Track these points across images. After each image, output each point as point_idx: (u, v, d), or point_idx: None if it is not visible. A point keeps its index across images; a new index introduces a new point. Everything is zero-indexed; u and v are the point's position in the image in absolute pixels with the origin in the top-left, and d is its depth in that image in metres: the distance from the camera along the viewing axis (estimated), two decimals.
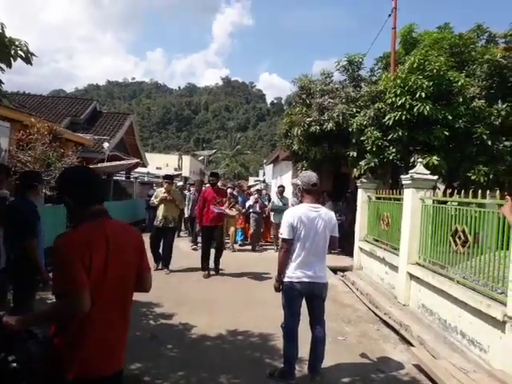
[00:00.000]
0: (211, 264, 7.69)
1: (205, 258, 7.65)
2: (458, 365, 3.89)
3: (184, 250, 10.10)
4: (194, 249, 10.27)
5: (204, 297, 6.08)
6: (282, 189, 11.14)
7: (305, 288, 3.50)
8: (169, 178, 8.20)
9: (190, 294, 6.17)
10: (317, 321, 3.65)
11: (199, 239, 10.43)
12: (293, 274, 3.50)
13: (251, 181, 36.69)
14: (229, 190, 10.16)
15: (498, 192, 4.59)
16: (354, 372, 3.79)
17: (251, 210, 11.20)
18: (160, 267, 7.65)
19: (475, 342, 4.27)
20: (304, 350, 3.66)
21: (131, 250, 1.91)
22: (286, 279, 3.54)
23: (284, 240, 3.53)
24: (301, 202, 3.76)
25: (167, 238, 7.72)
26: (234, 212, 8.33)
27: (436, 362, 3.89)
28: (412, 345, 4.70)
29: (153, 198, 8.03)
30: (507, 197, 3.54)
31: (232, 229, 10.72)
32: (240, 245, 11.43)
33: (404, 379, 3.71)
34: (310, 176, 3.66)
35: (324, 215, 3.57)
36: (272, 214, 10.92)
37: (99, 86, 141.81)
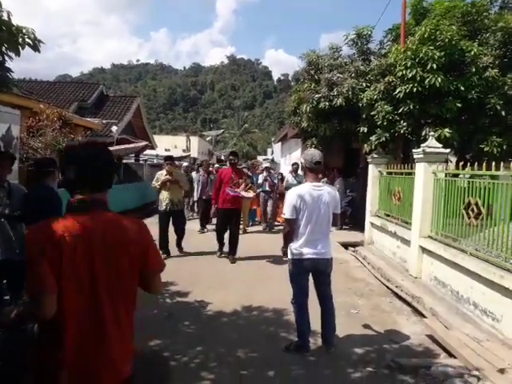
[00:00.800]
0: (226, 247, 7.43)
1: (218, 237, 7.44)
2: (471, 334, 3.94)
3: (195, 232, 10.06)
4: (202, 232, 10.20)
5: (218, 275, 6.18)
6: (296, 166, 10.47)
7: (310, 264, 3.59)
8: (170, 160, 7.63)
9: (204, 272, 6.28)
10: (324, 294, 3.76)
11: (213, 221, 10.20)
12: (298, 251, 3.59)
13: (260, 159, 36.58)
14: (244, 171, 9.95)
15: None
16: (368, 343, 3.87)
17: (260, 189, 10.83)
18: (165, 255, 7.12)
19: (488, 312, 4.31)
20: (317, 323, 3.75)
21: (126, 251, 1.59)
22: (291, 256, 3.64)
23: (287, 220, 3.61)
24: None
25: (178, 222, 7.51)
26: (250, 194, 7.72)
27: (449, 332, 3.95)
28: (425, 316, 4.76)
29: (154, 182, 7.56)
30: None
31: (246, 211, 10.32)
32: (252, 225, 11.32)
33: (417, 349, 3.78)
34: (313, 154, 3.68)
35: (327, 193, 3.63)
36: (286, 192, 10.61)
37: (104, 69, 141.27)
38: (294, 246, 3.61)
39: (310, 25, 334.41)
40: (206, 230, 10.31)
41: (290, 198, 3.60)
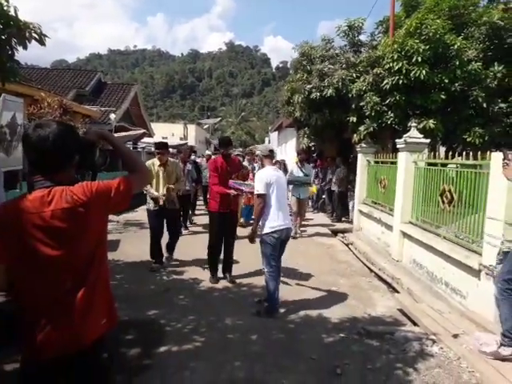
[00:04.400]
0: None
1: (213, 256, 5.48)
2: (439, 309, 4.37)
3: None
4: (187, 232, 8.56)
5: None
6: (303, 156, 8.82)
7: (284, 233, 4.24)
8: (162, 147, 5.98)
9: (199, 254, 6.62)
10: (280, 258, 4.43)
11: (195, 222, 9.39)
12: (275, 223, 4.17)
13: (260, 147, 36.69)
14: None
15: (488, 153, 4.85)
16: (343, 314, 4.30)
17: None
18: (157, 265, 5.93)
19: (457, 290, 4.72)
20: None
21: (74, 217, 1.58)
22: (269, 230, 4.16)
23: (260, 195, 4.17)
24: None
25: (174, 224, 6.17)
26: None
27: (415, 305, 4.38)
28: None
29: None
30: (506, 161, 3.47)
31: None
32: (245, 226, 8.85)
33: (387, 320, 4.21)
34: (267, 145, 4.62)
35: (282, 175, 4.51)
36: (290, 187, 8.33)
37: (101, 55, 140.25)
38: (271, 220, 4.16)
39: (310, 12, 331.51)
40: (186, 230, 8.75)
41: (261, 176, 4.25)
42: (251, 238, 4.38)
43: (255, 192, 4.28)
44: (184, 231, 8.55)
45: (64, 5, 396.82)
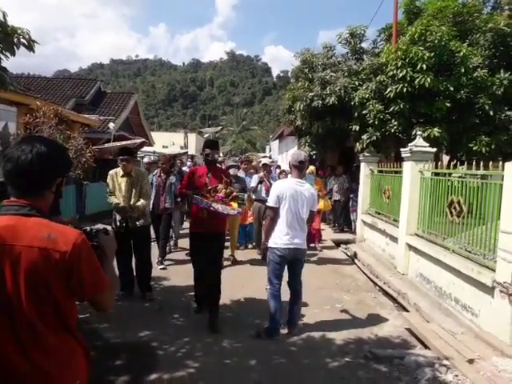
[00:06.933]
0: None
1: (195, 285, 4.72)
2: (451, 329, 4.10)
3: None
4: (162, 267, 6.47)
5: None
6: (304, 165, 7.08)
7: (289, 253, 3.92)
8: (127, 154, 4.96)
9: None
10: (295, 280, 4.13)
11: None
12: (279, 240, 3.90)
13: (259, 156, 36.48)
14: (231, 171, 6.49)
15: (500, 163, 4.64)
16: (348, 335, 4.03)
17: (253, 197, 7.49)
18: (122, 292, 4.86)
19: (467, 307, 4.47)
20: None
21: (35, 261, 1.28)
22: (273, 245, 3.94)
23: (270, 208, 3.96)
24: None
25: (141, 248, 5.04)
26: (233, 209, 4.46)
27: (425, 325, 4.12)
28: (408, 311, 4.92)
29: (110, 197, 4.98)
30: None
31: (234, 232, 7.09)
32: (242, 248, 7.97)
33: (395, 341, 3.95)
34: (299, 154, 4.16)
35: (307, 190, 4.00)
36: None
37: (103, 64, 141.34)
38: (276, 236, 3.92)
39: (310, 21, 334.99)
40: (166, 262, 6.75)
41: (275, 189, 4.00)
42: (262, 254, 4.19)
43: (266, 204, 4.09)
44: (159, 263, 6.58)
45: (65, 14, 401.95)
